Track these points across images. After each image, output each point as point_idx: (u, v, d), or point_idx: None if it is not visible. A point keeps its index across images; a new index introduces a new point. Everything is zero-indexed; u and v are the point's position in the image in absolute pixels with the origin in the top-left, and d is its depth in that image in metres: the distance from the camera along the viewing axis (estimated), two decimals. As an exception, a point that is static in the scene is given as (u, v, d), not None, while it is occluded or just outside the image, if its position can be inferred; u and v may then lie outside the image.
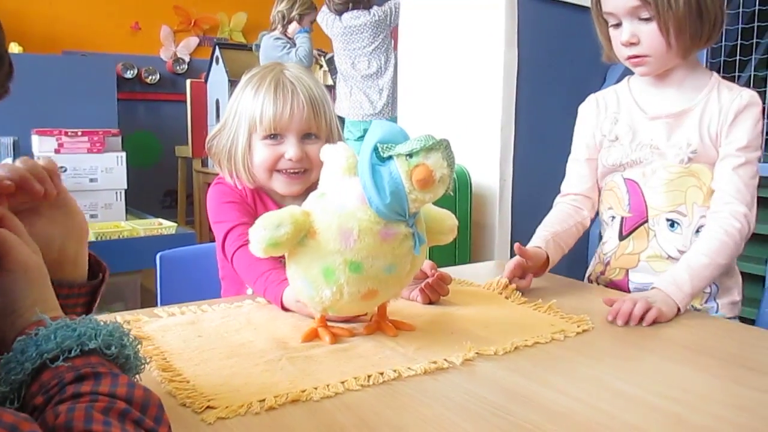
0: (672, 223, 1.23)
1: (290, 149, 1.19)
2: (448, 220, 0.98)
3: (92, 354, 0.51)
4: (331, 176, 0.90)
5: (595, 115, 1.34)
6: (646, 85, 1.27)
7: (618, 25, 1.19)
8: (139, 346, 0.57)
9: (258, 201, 1.25)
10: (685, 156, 1.20)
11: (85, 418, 0.44)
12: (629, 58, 1.20)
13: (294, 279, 0.91)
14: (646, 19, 1.14)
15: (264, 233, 0.84)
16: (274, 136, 1.20)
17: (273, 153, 1.20)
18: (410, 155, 0.81)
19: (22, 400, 0.50)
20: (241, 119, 1.21)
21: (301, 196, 1.25)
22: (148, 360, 0.58)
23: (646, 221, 1.26)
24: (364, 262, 0.84)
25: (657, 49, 1.16)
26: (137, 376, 0.56)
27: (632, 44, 1.17)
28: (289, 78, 1.20)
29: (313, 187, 1.25)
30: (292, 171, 1.21)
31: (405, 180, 0.81)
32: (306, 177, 1.23)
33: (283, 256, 0.93)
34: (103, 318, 0.57)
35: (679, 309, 1.05)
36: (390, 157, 0.81)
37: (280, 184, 1.23)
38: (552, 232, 1.29)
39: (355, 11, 3.23)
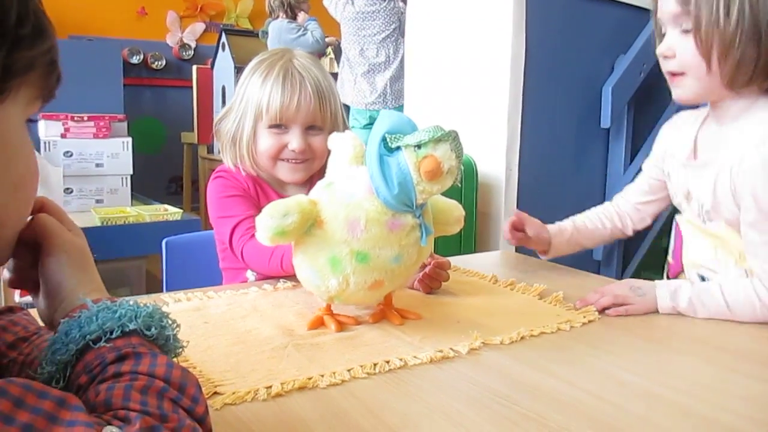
0: (702, 279, 1.10)
1: (294, 140, 1.20)
2: (456, 210, 0.98)
3: (133, 335, 0.52)
4: (339, 165, 0.90)
5: (664, 140, 1.20)
6: (711, 117, 1.09)
7: (665, 34, 1.04)
8: (177, 329, 0.58)
9: (260, 191, 1.26)
10: (702, 213, 1.06)
11: (123, 396, 0.46)
12: (667, 73, 1.05)
13: (300, 268, 0.91)
14: (687, 31, 0.99)
15: (271, 222, 0.84)
16: (279, 125, 1.21)
17: (277, 142, 1.21)
18: (418, 146, 0.80)
19: (67, 379, 0.51)
20: (248, 105, 1.22)
21: (303, 185, 1.27)
22: (185, 343, 0.59)
23: (682, 271, 1.16)
24: (370, 253, 0.84)
25: (693, 68, 1.00)
26: (175, 358, 0.57)
27: (666, 57, 1.03)
28: (298, 68, 1.21)
29: (316, 175, 1.27)
30: (295, 160, 1.22)
31: (413, 171, 0.81)
32: (309, 165, 1.24)
33: None
34: (143, 300, 0.58)
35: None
36: (398, 148, 0.81)
37: (283, 172, 1.24)
38: (577, 227, 1.27)
39: None
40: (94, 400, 0.46)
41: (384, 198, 0.82)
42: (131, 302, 0.55)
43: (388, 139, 0.81)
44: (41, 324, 0.67)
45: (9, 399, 0.38)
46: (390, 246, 0.84)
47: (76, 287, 0.56)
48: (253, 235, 1.11)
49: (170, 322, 0.57)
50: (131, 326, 0.52)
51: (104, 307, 0.53)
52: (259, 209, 1.04)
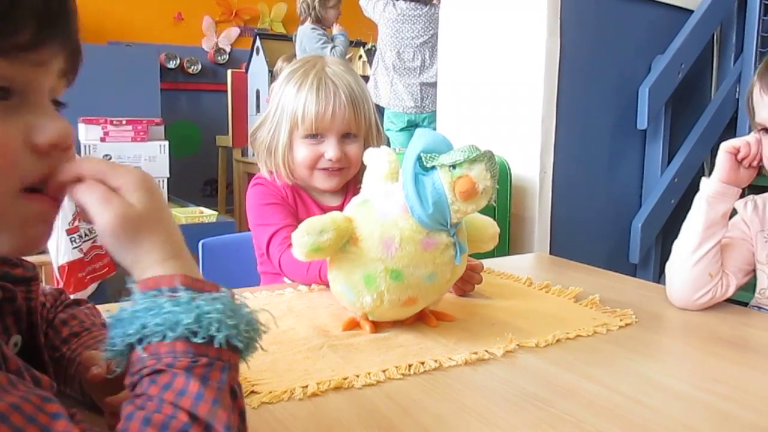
0: None
1: (330, 150, 1.21)
2: (490, 228, 0.97)
3: (178, 339, 0.47)
4: (374, 181, 0.91)
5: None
6: None
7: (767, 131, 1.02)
8: (251, 328, 0.51)
9: (298, 199, 1.27)
10: None
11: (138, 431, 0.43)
12: None
13: (335, 284, 0.91)
14: None
15: (307, 239, 0.84)
16: (315, 135, 1.21)
17: (313, 152, 1.22)
18: (453, 166, 0.80)
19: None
20: (282, 115, 1.23)
21: (340, 192, 1.28)
22: (265, 329, 0.52)
23: None
24: (405, 271, 0.84)
25: None
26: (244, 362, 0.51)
27: None
28: (331, 76, 1.21)
29: (351, 181, 1.28)
30: (331, 168, 1.23)
31: (448, 191, 0.81)
32: (345, 173, 1.26)
33: None
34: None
35: None
36: (433, 167, 0.81)
37: (320, 181, 1.25)
38: None
39: (413, 3, 3.19)
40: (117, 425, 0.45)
41: (419, 217, 0.82)
42: (184, 298, 0.48)
43: (423, 158, 0.81)
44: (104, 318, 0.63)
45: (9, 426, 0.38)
46: (424, 264, 0.84)
47: (131, 267, 0.51)
48: (290, 245, 1.12)
49: (228, 322, 0.49)
50: (171, 336, 0.47)
51: (146, 307, 0.48)
52: (296, 217, 1.05)
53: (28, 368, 0.45)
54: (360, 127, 1.23)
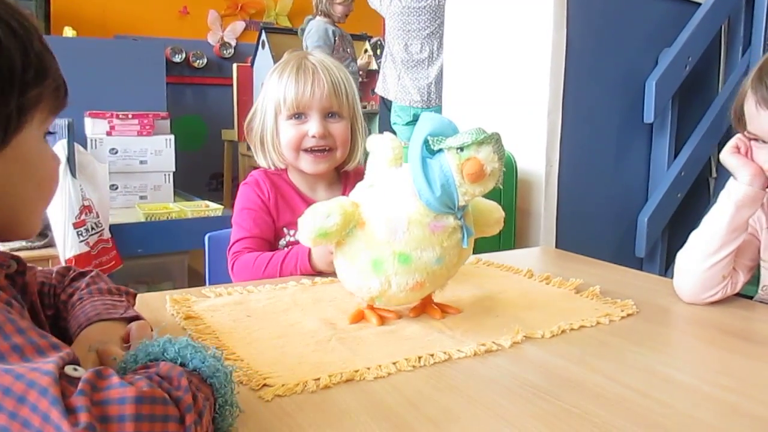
0: None
1: (313, 126, 1.25)
2: (496, 212, 0.98)
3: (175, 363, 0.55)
4: (379, 167, 0.91)
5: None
6: None
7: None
8: (230, 374, 0.57)
9: (280, 201, 1.30)
10: None
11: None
12: None
13: (342, 269, 0.91)
14: None
15: (313, 223, 0.85)
16: (298, 115, 1.27)
17: (297, 132, 1.26)
18: (461, 149, 0.80)
19: None
20: (268, 103, 1.29)
21: (332, 182, 1.33)
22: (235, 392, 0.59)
23: None
24: (412, 254, 0.84)
25: None
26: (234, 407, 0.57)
27: None
28: (312, 61, 1.28)
29: (351, 179, 1.30)
30: (317, 149, 1.26)
31: (455, 173, 0.81)
32: (331, 156, 1.29)
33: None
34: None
35: None
36: (440, 150, 0.81)
37: (306, 164, 1.29)
38: None
39: None
40: None
41: (426, 200, 0.83)
42: (183, 340, 0.57)
43: (430, 142, 0.81)
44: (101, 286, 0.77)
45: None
46: (432, 247, 0.85)
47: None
48: (242, 250, 1.22)
49: (208, 357, 0.56)
50: (168, 356, 0.55)
51: (148, 342, 0.57)
52: (270, 227, 1.22)
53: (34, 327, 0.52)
54: (342, 106, 1.28)
